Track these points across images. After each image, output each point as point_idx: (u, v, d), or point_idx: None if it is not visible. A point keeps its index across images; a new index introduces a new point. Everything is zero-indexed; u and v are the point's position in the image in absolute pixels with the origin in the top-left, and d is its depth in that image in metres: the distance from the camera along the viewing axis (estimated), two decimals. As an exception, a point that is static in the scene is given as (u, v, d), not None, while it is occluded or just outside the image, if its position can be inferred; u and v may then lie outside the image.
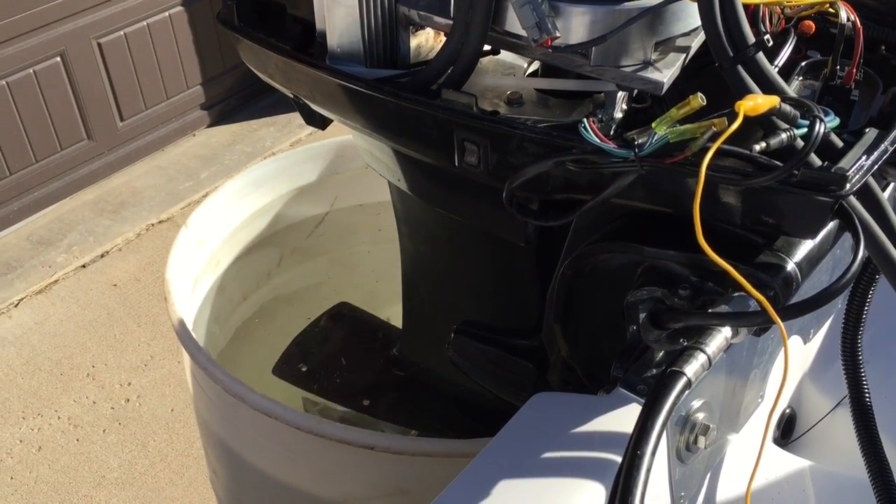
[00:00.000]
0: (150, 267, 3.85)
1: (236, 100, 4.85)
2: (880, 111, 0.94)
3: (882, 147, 0.84)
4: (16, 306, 3.66)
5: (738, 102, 0.74)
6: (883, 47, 1.03)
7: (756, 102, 0.74)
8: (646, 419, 0.78)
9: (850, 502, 1.08)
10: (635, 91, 1.02)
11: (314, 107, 1.25)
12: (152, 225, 4.12)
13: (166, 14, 4.32)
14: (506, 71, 1.13)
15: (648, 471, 0.76)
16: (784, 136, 0.77)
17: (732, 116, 0.77)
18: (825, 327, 1.25)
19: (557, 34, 0.90)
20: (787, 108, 0.77)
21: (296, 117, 5.01)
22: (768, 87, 0.86)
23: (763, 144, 0.77)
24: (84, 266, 3.88)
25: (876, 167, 0.82)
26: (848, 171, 0.79)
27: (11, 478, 2.96)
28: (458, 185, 1.20)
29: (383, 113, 1.09)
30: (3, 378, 3.32)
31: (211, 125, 4.78)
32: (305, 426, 1.36)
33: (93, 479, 2.96)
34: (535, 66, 1.14)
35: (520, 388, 1.38)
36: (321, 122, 1.39)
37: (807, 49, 1.04)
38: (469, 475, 0.91)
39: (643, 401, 0.89)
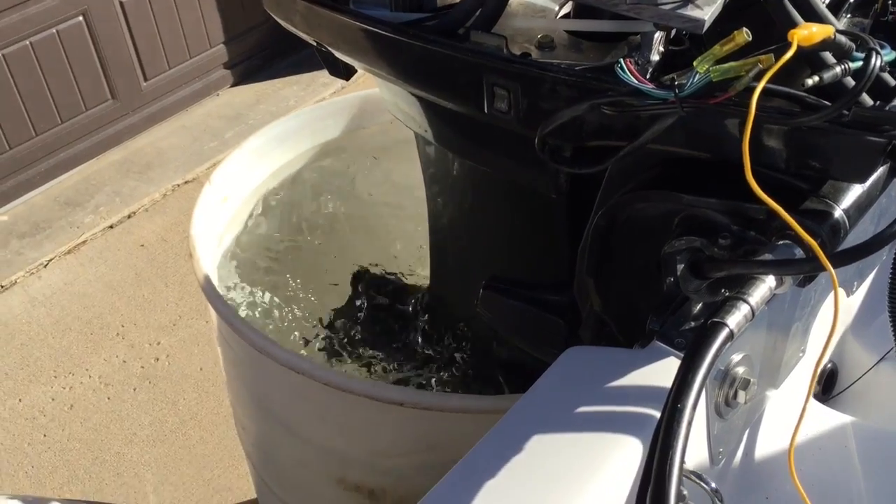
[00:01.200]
0: (177, 227, 3.85)
1: (259, 59, 4.81)
2: (936, 48, 0.89)
3: (940, 85, 0.79)
4: (45, 267, 3.69)
5: (792, 31, 0.70)
6: None
7: (811, 31, 0.69)
8: (686, 371, 0.75)
9: (895, 457, 1.04)
10: (673, 32, 0.98)
11: (338, 55, 1.22)
12: (178, 185, 4.12)
13: (188, -29, 4.28)
14: (536, 13, 1.09)
15: (689, 424, 0.73)
16: (838, 69, 0.72)
17: (781, 52, 0.72)
18: (868, 280, 1.21)
19: (592, -31, 0.85)
20: (841, 39, 0.72)
21: (320, 76, 4.96)
22: (816, 22, 0.81)
23: (816, 78, 0.72)
24: (111, 227, 3.89)
25: (934, 106, 0.77)
26: (904, 109, 0.75)
27: (45, 435, 3.00)
28: (488, 135, 1.16)
29: (409, 58, 1.05)
30: (35, 338, 3.35)
31: (234, 85, 4.75)
32: (334, 382, 1.34)
33: (124, 437, 2.99)
34: (567, 8, 1.10)
35: (550, 345, 1.35)
36: (346, 73, 1.36)
37: (856, -16, 0.99)
38: (500, 430, 0.88)
39: (681, 354, 0.85)
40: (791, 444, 0.89)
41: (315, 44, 1.23)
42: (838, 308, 0.77)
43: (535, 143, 0.97)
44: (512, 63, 0.95)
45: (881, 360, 1.17)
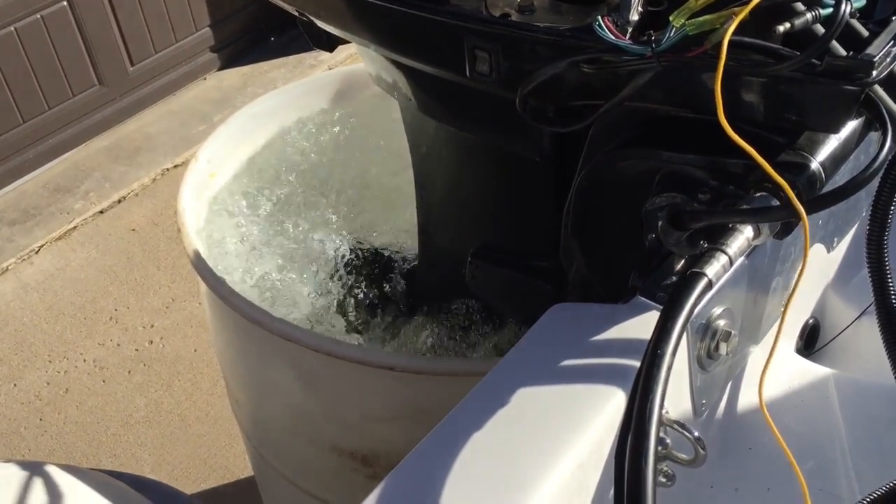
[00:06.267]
0: (167, 211, 3.86)
1: (245, 42, 4.79)
2: (909, 0, 0.90)
3: (911, 34, 0.81)
4: (37, 253, 3.69)
5: (760, -24, 0.71)
6: None
7: (779, -24, 0.70)
8: (666, 319, 0.77)
9: (876, 407, 1.06)
10: (652, -11, 0.98)
11: (320, 24, 1.22)
12: (167, 169, 4.12)
13: (172, -46, 4.26)
14: (517, -24, 1.09)
15: (669, 369, 0.74)
16: (808, 15, 0.74)
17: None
18: (849, 237, 1.22)
19: (569, -73, 0.86)
20: (811, -15, 0.74)
21: (307, 57, 4.95)
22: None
23: (787, 25, 0.74)
24: (102, 212, 3.90)
25: (904, 54, 0.79)
26: (875, 57, 0.76)
27: (41, 419, 3.01)
28: (472, 101, 1.17)
29: (391, 24, 1.06)
30: (28, 323, 3.36)
31: (221, 68, 4.74)
32: (325, 349, 1.35)
33: (120, 419, 3.01)
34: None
35: (539, 311, 1.37)
36: (328, 44, 1.36)
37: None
38: (487, 385, 0.90)
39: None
40: (760, 382, 0.91)
41: (297, 14, 1.24)
42: (808, 252, 0.79)
43: (516, 104, 0.98)
44: (492, 24, 0.96)
45: (862, 314, 1.19)
